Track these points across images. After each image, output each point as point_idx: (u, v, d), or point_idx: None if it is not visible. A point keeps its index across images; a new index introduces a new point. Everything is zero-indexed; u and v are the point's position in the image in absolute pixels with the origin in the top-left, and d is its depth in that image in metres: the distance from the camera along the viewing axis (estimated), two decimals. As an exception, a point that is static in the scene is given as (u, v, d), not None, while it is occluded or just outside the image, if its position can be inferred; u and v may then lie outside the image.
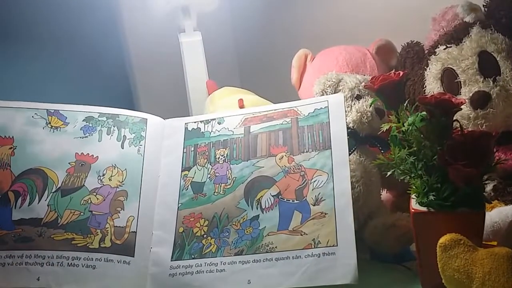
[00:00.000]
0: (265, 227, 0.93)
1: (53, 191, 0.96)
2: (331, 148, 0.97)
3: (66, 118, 1.02)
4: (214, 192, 0.98)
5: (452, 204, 0.85)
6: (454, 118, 0.87)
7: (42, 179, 0.96)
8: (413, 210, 0.87)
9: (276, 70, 1.39)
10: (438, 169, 0.85)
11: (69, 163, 0.98)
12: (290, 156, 0.99)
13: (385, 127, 0.90)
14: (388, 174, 0.89)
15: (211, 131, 1.04)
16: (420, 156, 0.86)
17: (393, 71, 1.20)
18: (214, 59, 1.34)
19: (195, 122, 1.06)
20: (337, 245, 0.89)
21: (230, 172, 1.00)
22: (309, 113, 1.02)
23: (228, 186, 0.98)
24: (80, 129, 1.01)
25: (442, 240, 0.81)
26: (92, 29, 1.36)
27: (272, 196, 0.96)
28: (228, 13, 1.56)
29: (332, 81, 1.10)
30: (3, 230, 0.91)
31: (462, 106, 0.86)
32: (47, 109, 1.02)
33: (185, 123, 1.07)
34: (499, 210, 0.97)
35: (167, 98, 1.41)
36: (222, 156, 1.01)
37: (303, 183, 0.96)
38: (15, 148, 0.97)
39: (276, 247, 0.91)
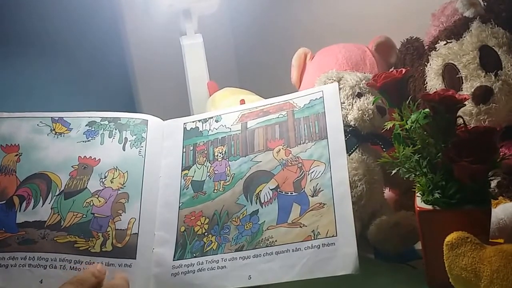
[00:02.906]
0: (264, 221, 0.90)
1: (56, 194, 0.94)
2: (327, 138, 0.93)
3: (70, 124, 1.00)
4: (214, 190, 0.95)
5: (457, 201, 0.82)
6: (457, 114, 0.83)
7: (46, 183, 0.94)
8: (418, 209, 0.84)
9: (275, 70, 1.36)
10: (443, 166, 0.82)
11: (72, 167, 0.96)
12: (287, 148, 0.95)
13: (388, 125, 0.87)
14: (393, 173, 0.86)
15: (209, 129, 1.01)
16: (424, 153, 0.83)
17: (393, 68, 1.19)
18: (213, 61, 1.32)
19: (193, 122, 1.03)
20: (336, 235, 0.85)
21: (228, 168, 0.96)
22: (304, 105, 0.99)
23: (227, 183, 0.95)
24: (83, 134, 1.00)
25: (448, 238, 0.77)
26: (94, 33, 1.34)
27: (271, 189, 0.92)
28: (228, 15, 1.54)
29: (332, 79, 1.07)
30: (7, 233, 0.89)
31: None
32: (51, 117, 1.01)
33: (184, 123, 1.04)
34: (504, 207, 0.92)
35: (169, 99, 1.39)
36: (220, 153, 0.98)
37: (301, 174, 0.92)
38: (20, 155, 0.96)
39: (276, 240, 0.87)
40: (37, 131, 0.98)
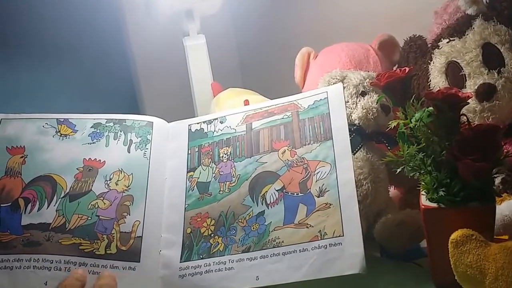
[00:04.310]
0: (271, 222, 0.90)
1: (61, 196, 0.93)
2: (332, 139, 0.93)
3: (75, 126, 1.00)
4: (220, 191, 0.95)
5: (462, 199, 0.82)
6: (461, 112, 0.84)
7: (51, 185, 0.94)
8: (423, 207, 0.84)
9: (278, 69, 1.36)
10: (447, 164, 0.82)
11: (77, 169, 0.96)
12: (292, 149, 0.95)
13: (393, 124, 0.87)
14: (397, 171, 0.86)
15: (214, 130, 1.01)
16: (428, 152, 0.83)
17: (397, 66, 1.18)
18: (216, 61, 1.31)
19: (198, 123, 1.03)
20: (343, 235, 0.85)
21: (234, 170, 0.96)
22: (309, 106, 0.98)
23: (233, 184, 0.95)
24: (88, 136, 1.00)
25: (453, 236, 0.78)
26: (97, 35, 1.34)
27: (277, 190, 0.92)
28: (230, 15, 1.54)
29: (336, 78, 1.07)
30: (12, 235, 0.89)
31: (467, 99, 0.83)
32: (57, 119, 1.01)
33: (189, 125, 1.04)
34: (509, 203, 0.93)
35: (173, 101, 1.38)
36: (225, 154, 0.98)
37: (307, 175, 0.92)
38: (26, 157, 0.96)
39: (282, 241, 0.87)
40: (43, 132, 0.98)
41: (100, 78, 1.36)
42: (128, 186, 0.95)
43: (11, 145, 0.96)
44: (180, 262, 0.90)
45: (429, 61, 1.10)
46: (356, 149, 1.02)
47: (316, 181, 0.91)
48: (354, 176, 0.89)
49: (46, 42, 1.31)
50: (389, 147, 1.01)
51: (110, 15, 1.37)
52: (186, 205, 0.95)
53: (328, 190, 0.89)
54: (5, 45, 1.27)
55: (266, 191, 0.93)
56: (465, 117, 0.84)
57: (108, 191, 0.94)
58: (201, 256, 0.90)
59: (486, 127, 0.82)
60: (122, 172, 0.96)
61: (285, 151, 0.95)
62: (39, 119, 1.00)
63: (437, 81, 1.08)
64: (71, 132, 0.99)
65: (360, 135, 1.04)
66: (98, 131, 1.00)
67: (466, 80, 1.05)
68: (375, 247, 1.00)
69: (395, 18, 1.33)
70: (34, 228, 0.90)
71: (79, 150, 0.98)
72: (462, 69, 1.05)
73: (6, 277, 0.86)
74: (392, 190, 1.10)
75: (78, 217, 0.92)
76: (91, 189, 0.94)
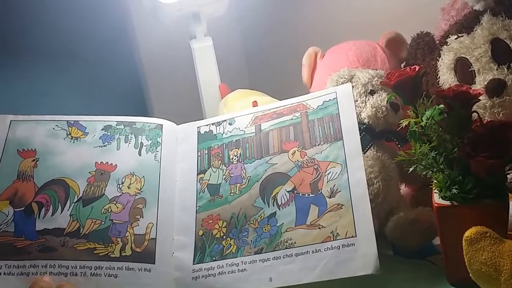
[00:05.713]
0: (282, 223, 0.89)
1: (74, 201, 0.93)
2: (342, 139, 0.93)
3: (86, 128, 1.00)
4: (230, 193, 0.95)
5: (475, 196, 0.81)
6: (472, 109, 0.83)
7: (64, 190, 0.94)
8: (436, 205, 0.83)
9: (285, 70, 1.35)
10: (459, 162, 0.81)
11: (89, 173, 0.95)
12: (302, 150, 0.95)
13: (404, 122, 0.87)
14: (410, 171, 0.85)
15: (223, 132, 1.01)
16: (440, 150, 0.83)
17: (404, 63, 1.17)
18: (223, 63, 1.31)
19: (207, 125, 1.03)
20: (356, 236, 0.84)
21: (244, 171, 0.96)
22: (318, 106, 0.98)
23: (244, 186, 0.95)
24: (99, 138, 0.99)
25: (467, 233, 0.77)
26: (104, 38, 1.34)
27: (288, 191, 0.92)
28: (236, 16, 1.53)
29: (344, 77, 1.06)
30: (27, 240, 0.88)
31: (477, 95, 0.82)
32: (67, 121, 1.00)
33: (198, 127, 1.03)
34: (522, 199, 0.92)
35: (181, 103, 1.38)
36: (235, 156, 0.98)
37: (317, 176, 0.91)
38: (37, 160, 0.95)
39: (295, 242, 0.87)
40: (53, 135, 0.98)
41: (108, 81, 1.36)
42: (140, 189, 0.95)
43: (22, 148, 0.96)
44: (193, 264, 0.90)
45: (438, 57, 1.09)
46: (366, 148, 1.02)
47: (327, 182, 0.90)
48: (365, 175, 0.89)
49: (54, 47, 1.30)
50: (399, 145, 1.00)
51: (118, 19, 1.37)
52: (197, 207, 0.95)
53: (340, 191, 0.89)
54: (13, 50, 1.27)
55: (277, 192, 0.92)
56: (476, 114, 0.83)
57: (120, 195, 0.94)
58: (213, 258, 0.89)
59: (498, 123, 0.82)
60: (134, 176, 0.96)
61: (295, 152, 0.95)
62: (49, 121, 0.99)
63: (446, 77, 1.06)
64: (82, 134, 0.99)
65: (370, 134, 1.03)
66: (109, 133, 0.99)
67: (475, 76, 1.03)
68: (387, 246, 0.99)
69: (401, 15, 1.33)
70: (49, 233, 0.89)
71: (90, 153, 0.97)
72: (471, 65, 1.04)
73: (23, 283, 0.85)
74: (403, 188, 1.09)
75: (92, 222, 0.91)
76: (103, 193, 0.94)
